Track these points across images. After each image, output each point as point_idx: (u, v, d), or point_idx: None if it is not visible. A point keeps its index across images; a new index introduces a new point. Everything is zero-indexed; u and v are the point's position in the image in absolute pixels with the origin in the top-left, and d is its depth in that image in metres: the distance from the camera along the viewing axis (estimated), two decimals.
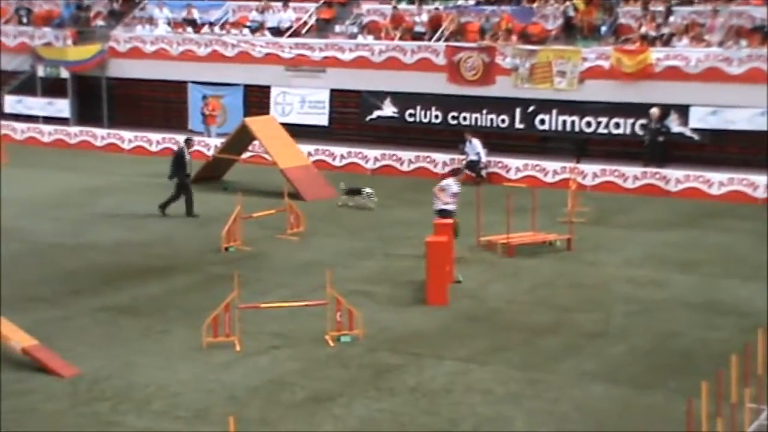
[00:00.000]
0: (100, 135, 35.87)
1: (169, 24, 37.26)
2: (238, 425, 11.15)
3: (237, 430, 10.91)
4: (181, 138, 28.48)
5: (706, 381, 11.61)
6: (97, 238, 23.13)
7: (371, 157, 31.83)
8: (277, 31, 35.20)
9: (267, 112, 33.36)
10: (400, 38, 33.13)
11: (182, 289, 19.29)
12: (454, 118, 31.80)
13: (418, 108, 32.27)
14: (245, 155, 29.37)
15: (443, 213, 20.71)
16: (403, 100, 32.41)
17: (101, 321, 17.44)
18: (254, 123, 28.87)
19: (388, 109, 32.70)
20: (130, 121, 36.53)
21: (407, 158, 31.43)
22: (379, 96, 32.74)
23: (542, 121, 30.70)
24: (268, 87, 34.42)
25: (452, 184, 21.04)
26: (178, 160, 25.66)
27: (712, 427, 11.69)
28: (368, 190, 26.09)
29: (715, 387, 11.77)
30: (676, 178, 28.04)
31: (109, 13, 38.85)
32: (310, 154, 31.14)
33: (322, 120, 33.79)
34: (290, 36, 34.78)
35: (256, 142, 28.93)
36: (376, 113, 32.94)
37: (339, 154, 32.19)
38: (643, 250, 22.01)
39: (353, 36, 33.98)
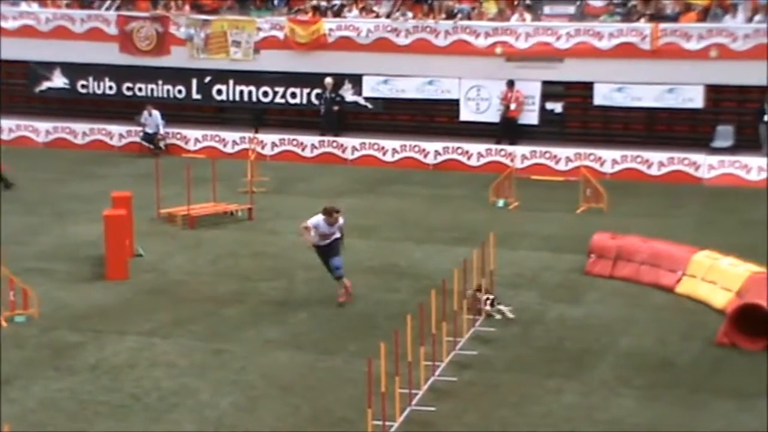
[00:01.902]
0: None
1: None
2: None
3: None
4: None
5: (384, 342, 12.00)
6: None
7: (42, 130, 30.65)
8: None
9: None
10: (68, 6, 31.96)
11: None
12: (129, 89, 31.11)
13: (91, 79, 31.34)
14: None
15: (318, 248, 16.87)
16: (75, 71, 31.35)
17: None
18: None
19: (59, 80, 31.54)
20: None
21: (81, 131, 30.50)
22: (49, 67, 31.49)
23: (219, 92, 30.61)
24: None
25: (320, 224, 16.55)
26: None
27: (390, 385, 12.12)
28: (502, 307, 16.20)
29: (393, 347, 12.19)
30: (353, 146, 28.77)
31: None
32: None
33: None
34: None
35: None
36: (45, 84, 31.69)
37: (7, 127, 30.79)
38: None
39: (17, 3, 32.42)
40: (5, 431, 9.48)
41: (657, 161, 26.71)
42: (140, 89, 30.98)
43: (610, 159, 26.98)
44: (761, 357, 14.38)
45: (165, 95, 30.86)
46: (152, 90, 30.91)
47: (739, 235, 20.34)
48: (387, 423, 11.99)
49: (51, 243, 20.18)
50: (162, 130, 29.45)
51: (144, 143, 29.42)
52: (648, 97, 27.52)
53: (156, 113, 29.48)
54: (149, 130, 29.36)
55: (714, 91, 27.37)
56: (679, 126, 27.92)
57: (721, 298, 16.26)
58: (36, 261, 18.80)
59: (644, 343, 15.12)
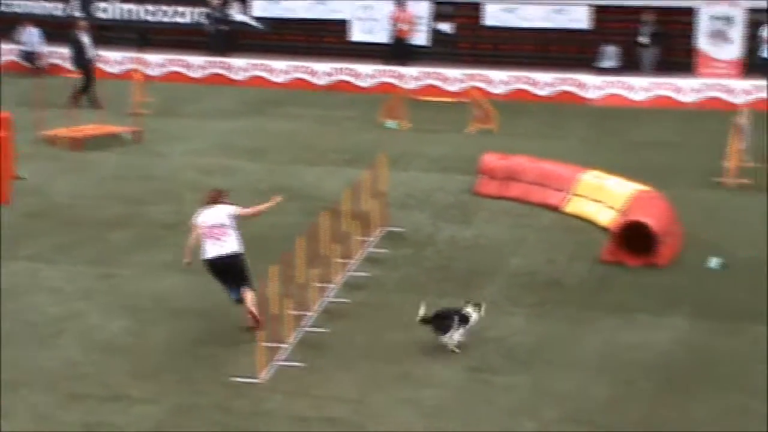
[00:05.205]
0: None
1: None
2: None
3: None
4: None
5: (275, 264, 11.92)
6: None
7: None
8: None
9: None
10: None
11: None
12: (5, 4, 30.04)
13: None
14: None
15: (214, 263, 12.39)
16: None
17: None
18: None
19: None
20: None
21: None
22: None
23: (103, 10, 29.77)
24: None
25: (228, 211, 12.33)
26: (75, 45, 24.63)
27: (281, 308, 12.09)
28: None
29: (283, 270, 12.14)
30: (240, 66, 28.35)
31: None
32: None
33: None
34: None
35: None
36: None
37: None
38: (211, 139, 22.15)
39: None
40: None
41: (544, 81, 26.94)
42: (18, 6, 29.96)
43: (499, 80, 27.12)
44: (644, 272, 14.75)
45: (44, 12, 29.89)
46: (30, 6, 29.91)
47: (625, 156, 20.69)
48: (280, 345, 11.99)
49: None
50: (41, 49, 28.54)
51: (23, 62, 28.51)
52: (537, 18, 27.69)
53: (34, 30, 28.55)
54: (27, 48, 28.44)
55: (600, 12, 27.62)
56: (568, 47, 28.18)
57: (606, 216, 16.57)
58: None
59: (533, 263, 15.35)
